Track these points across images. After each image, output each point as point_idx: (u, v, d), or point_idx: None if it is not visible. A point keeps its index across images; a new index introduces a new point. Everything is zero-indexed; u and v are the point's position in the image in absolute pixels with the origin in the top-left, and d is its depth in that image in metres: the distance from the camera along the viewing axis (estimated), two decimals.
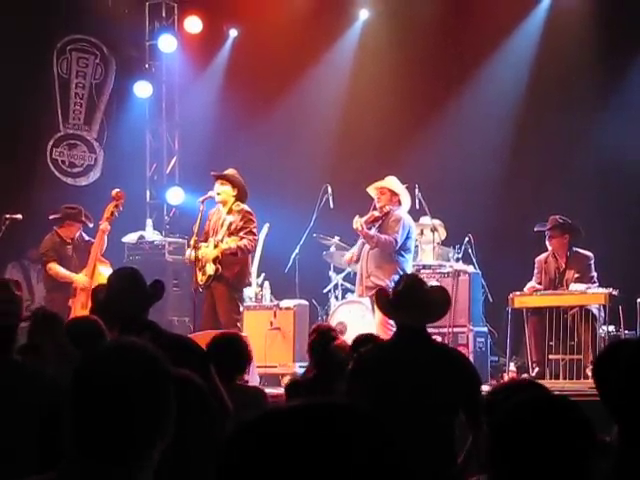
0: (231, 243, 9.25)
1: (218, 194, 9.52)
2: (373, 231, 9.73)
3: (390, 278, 9.38)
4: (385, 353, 4.96)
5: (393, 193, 9.89)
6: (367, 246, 9.83)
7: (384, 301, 5.11)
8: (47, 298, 10.37)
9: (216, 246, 9.35)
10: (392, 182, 9.95)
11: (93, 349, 2.15)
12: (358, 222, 9.67)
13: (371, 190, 9.95)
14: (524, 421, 2.24)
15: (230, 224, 9.38)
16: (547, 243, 10.09)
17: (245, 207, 9.53)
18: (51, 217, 10.40)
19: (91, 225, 10.37)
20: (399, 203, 9.94)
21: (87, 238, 10.32)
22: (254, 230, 9.52)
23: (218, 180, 9.58)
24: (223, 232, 9.39)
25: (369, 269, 9.71)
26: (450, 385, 4.75)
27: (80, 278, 10.00)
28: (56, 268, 10.18)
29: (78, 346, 4.73)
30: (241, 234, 9.37)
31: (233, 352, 5.30)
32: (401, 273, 9.39)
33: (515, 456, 2.20)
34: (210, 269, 9.33)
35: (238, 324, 9.48)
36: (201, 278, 9.40)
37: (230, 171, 9.67)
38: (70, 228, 10.35)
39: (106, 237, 10.20)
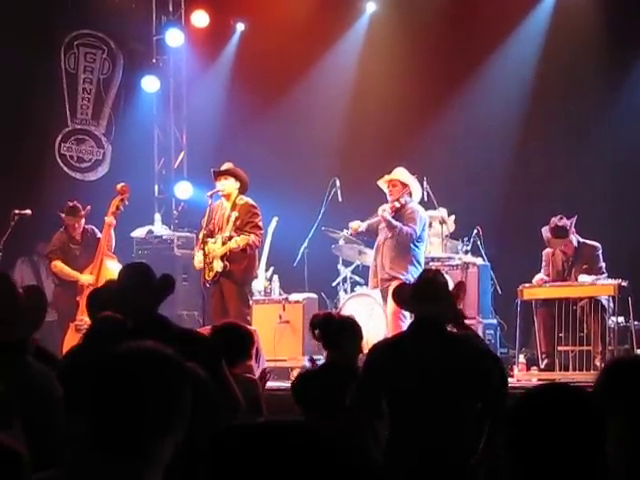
0: (240, 242, 9.26)
1: (222, 190, 9.55)
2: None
3: (406, 269, 9.43)
4: (401, 345, 4.96)
5: (404, 184, 9.87)
6: (381, 238, 9.77)
7: (404, 295, 5.11)
8: (55, 293, 10.44)
9: (224, 243, 9.36)
10: (401, 173, 9.92)
11: (114, 348, 2.18)
12: (386, 210, 9.64)
13: (382, 183, 9.92)
14: (538, 411, 2.23)
15: (236, 219, 9.39)
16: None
17: (249, 201, 9.54)
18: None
19: (83, 212, 10.40)
20: (410, 194, 9.92)
21: (99, 235, 10.36)
22: (260, 224, 9.53)
23: (220, 177, 9.58)
24: (229, 228, 9.40)
25: (384, 261, 9.67)
26: (467, 375, 4.76)
27: (85, 277, 10.07)
28: (60, 266, 10.29)
29: (103, 343, 4.69)
30: (247, 229, 9.39)
31: (231, 341, 5.28)
32: (416, 264, 9.48)
33: (530, 447, 2.19)
34: (218, 266, 9.34)
35: (248, 318, 9.50)
36: (208, 274, 9.42)
37: (228, 165, 9.68)
38: (71, 224, 10.45)
39: (113, 231, 10.24)
